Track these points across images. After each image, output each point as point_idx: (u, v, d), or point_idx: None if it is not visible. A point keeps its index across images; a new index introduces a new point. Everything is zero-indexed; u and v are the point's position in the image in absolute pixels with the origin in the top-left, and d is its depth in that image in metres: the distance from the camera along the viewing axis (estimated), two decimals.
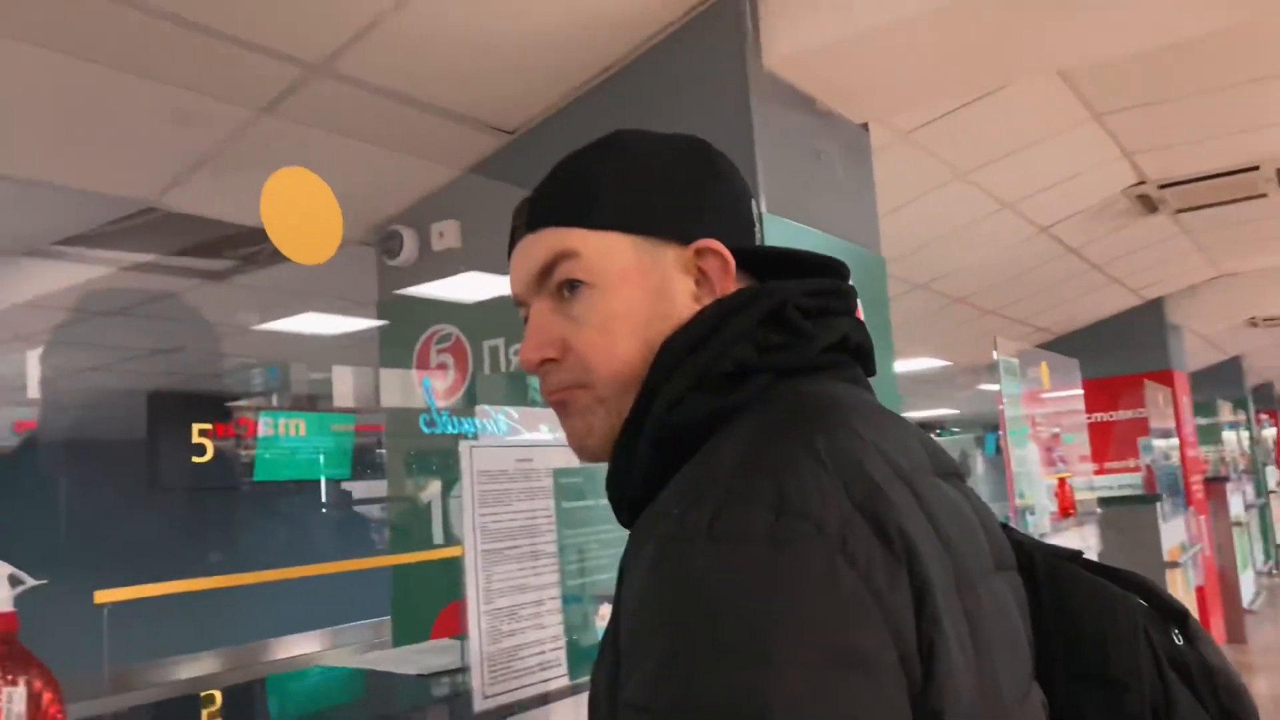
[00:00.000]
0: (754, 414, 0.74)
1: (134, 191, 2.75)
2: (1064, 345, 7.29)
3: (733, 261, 0.84)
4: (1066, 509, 4.52)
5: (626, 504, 0.81)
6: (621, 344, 0.82)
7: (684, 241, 0.84)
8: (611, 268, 0.82)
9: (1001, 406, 4.07)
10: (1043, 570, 0.84)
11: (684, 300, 0.83)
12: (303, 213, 1.23)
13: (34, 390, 2.48)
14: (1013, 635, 0.74)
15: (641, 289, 0.82)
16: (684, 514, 0.65)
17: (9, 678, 1.00)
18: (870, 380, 0.88)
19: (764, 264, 0.88)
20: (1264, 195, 4.78)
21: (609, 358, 0.82)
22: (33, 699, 1.00)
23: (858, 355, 0.86)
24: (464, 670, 1.41)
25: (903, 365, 7.73)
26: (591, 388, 0.83)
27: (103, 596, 1.45)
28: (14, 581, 1.09)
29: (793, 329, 0.80)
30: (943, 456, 0.82)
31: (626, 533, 0.85)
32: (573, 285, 0.83)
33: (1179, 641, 0.80)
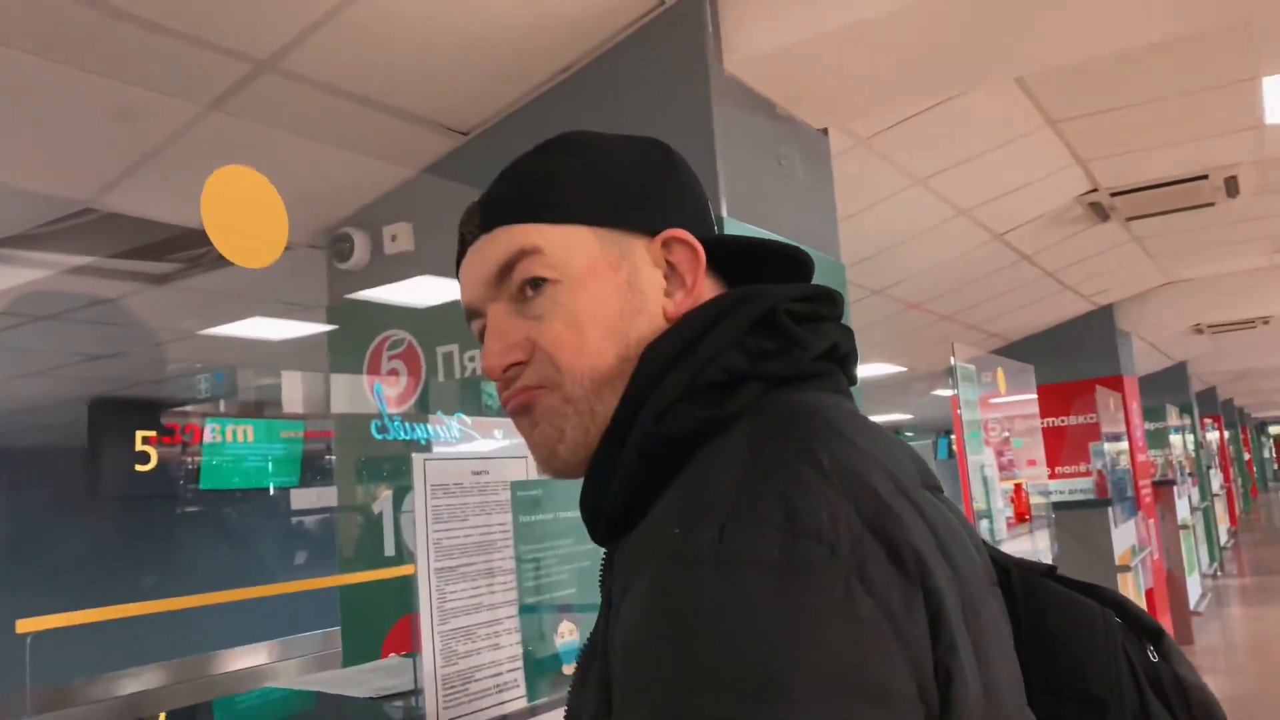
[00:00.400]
0: (747, 425, 0.70)
1: (71, 191, 2.65)
2: (1017, 351, 7.37)
3: (703, 252, 0.81)
4: (1022, 514, 4.54)
5: (604, 519, 0.76)
6: (593, 339, 0.77)
7: (650, 233, 0.80)
8: (577, 262, 0.78)
9: (959, 412, 4.07)
10: (1020, 586, 0.81)
11: (655, 294, 0.79)
12: (246, 214, 1.16)
13: None
14: (1010, 656, 0.71)
15: (611, 282, 0.78)
16: (686, 534, 0.61)
17: None
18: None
19: (731, 263, 0.85)
20: (1212, 204, 4.85)
21: (579, 354, 0.76)
22: None
23: (841, 364, 0.82)
24: (418, 692, 1.35)
25: (860, 371, 7.77)
26: (559, 388, 0.77)
27: (25, 626, 1.35)
28: None
29: (785, 336, 0.76)
30: (926, 469, 0.79)
31: (590, 547, 0.80)
32: (536, 284, 0.78)
33: (1154, 658, 0.78)
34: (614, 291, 0.78)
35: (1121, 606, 0.80)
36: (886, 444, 0.73)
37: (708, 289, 0.82)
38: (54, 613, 1.68)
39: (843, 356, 0.81)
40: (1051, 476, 6.72)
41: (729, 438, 0.69)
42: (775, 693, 0.53)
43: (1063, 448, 7.25)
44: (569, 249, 0.78)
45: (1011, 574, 0.82)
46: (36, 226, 2.81)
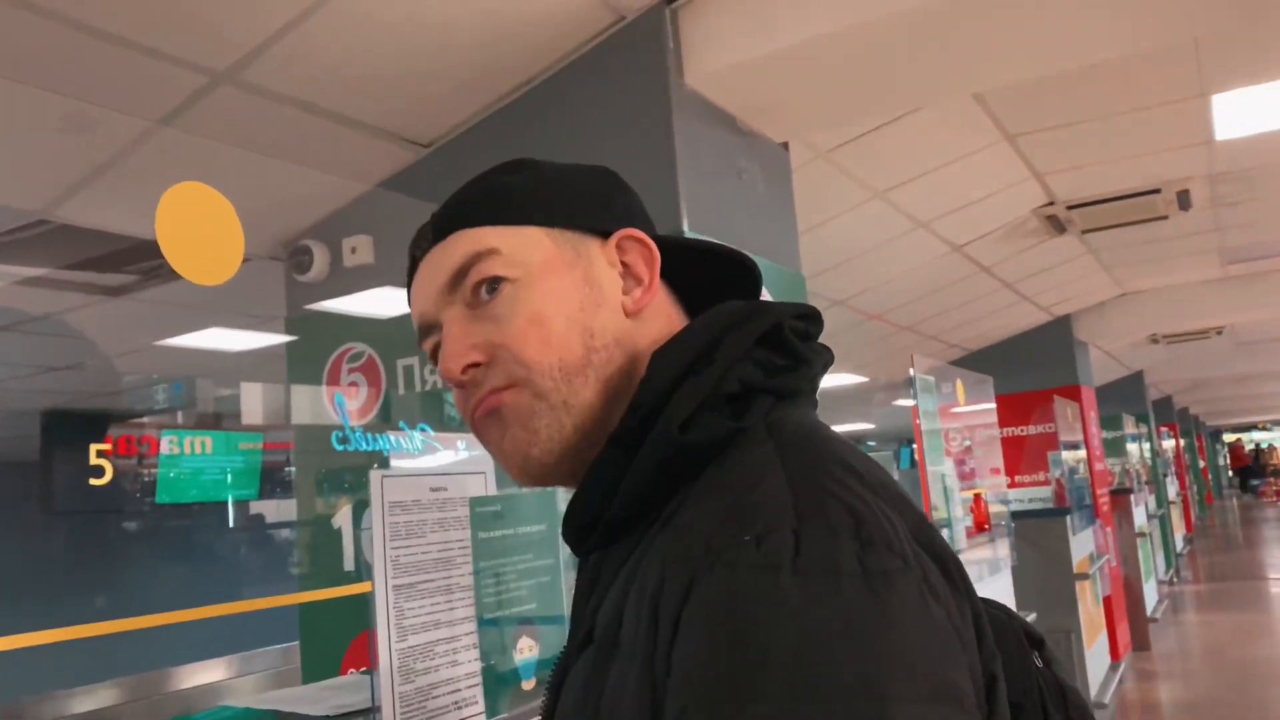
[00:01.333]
0: (769, 436, 0.71)
1: (23, 202, 2.61)
2: (976, 361, 7.45)
3: (656, 250, 0.82)
4: (981, 523, 4.59)
5: (603, 527, 0.75)
6: (557, 331, 0.76)
7: (604, 235, 0.82)
8: (533, 259, 0.78)
9: (918, 422, 4.11)
10: None
11: (613, 291, 0.80)
12: (201, 231, 1.15)
13: None
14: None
15: (568, 278, 0.79)
16: (760, 541, 0.61)
17: None
18: None
19: (676, 271, 0.87)
20: (1165, 217, 4.94)
21: (545, 345, 0.76)
22: None
23: (816, 380, 0.85)
24: (375, 710, 1.34)
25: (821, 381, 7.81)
26: (529, 383, 0.76)
27: None
28: None
29: (791, 353, 0.78)
30: None
31: (550, 562, 0.80)
32: (493, 286, 0.77)
33: (1039, 664, 0.83)
34: (572, 286, 0.79)
35: (1012, 618, 0.84)
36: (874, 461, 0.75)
37: (664, 289, 0.84)
38: (7, 630, 1.65)
39: (820, 373, 0.84)
40: (1011, 485, 6.79)
41: (755, 447, 0.70)
42: (873, 698, 0.55)
43: (1022, 457, 7.33)
44: (524, 247, 0.79)
45: None
46: None
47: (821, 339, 0.85)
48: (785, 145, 2.84)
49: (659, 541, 0.68)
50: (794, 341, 0.78)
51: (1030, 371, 7.51)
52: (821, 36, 2.23)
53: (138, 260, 3.03)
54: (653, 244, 0.83)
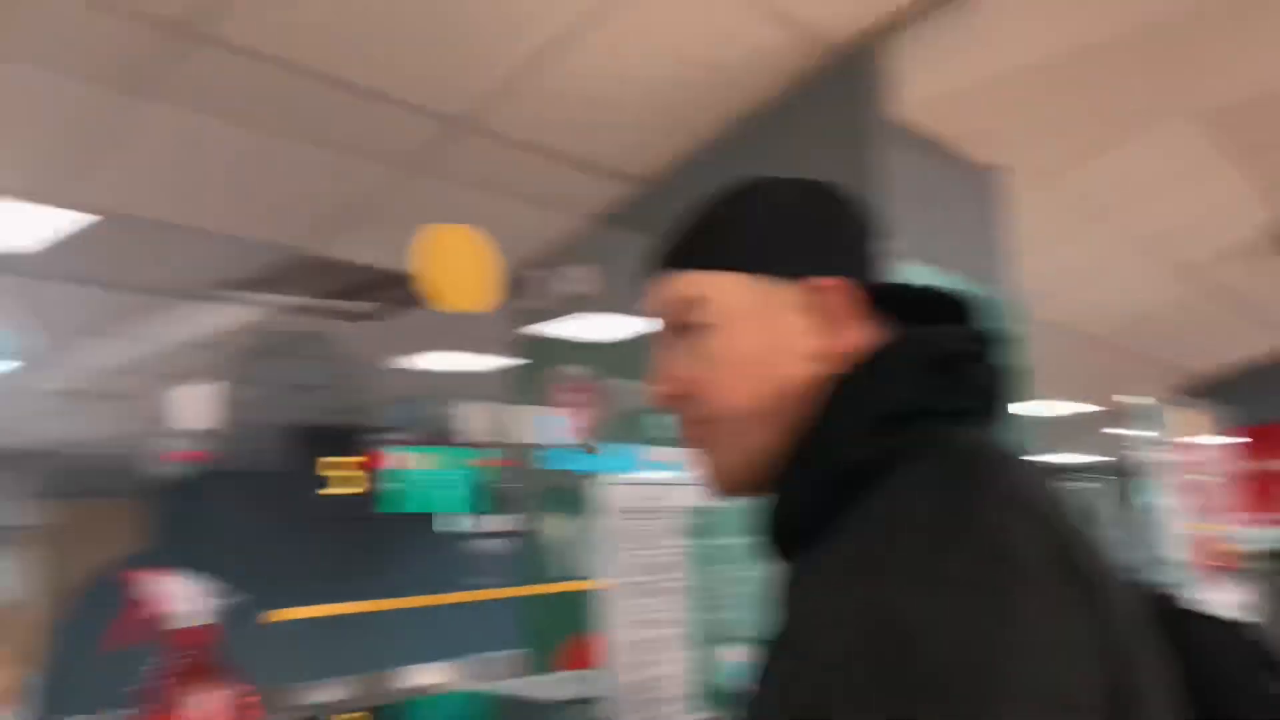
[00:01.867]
0: (930, 456, 0.76)
1: (290, 239, 2.94)
2: (1213, 389, 6.97)
3: (853, 298, 0.86)
4: (1213, 562, 4.32)
5: (786, 540, 0.83)
6: (740, 383, 0.85)
7: (804, 279, 0.87)
8: (735, 307, 0.87)
9: (1145, 455, 3.93)
10: (1170, 617, 0.84)
11: (803, 339, 0.86)
12: (465, 267, 1.31)
13: (198, 422, 2.65)
14: (1163, 682, 0.74)
15: (759, 328, 0.86)
16: (891, 555, 0.67)
17: (214, 682, 1.11)
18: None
19: (899, 303, 0.90)
20: None
21: (727, 396, 0.85)
22: (234, 702, 1.10)
23: (997, 402, 0.88)
24: (600, 699, 1.46)
25: (1044, 408, 7.51)
26: (715, 424, 0.86)
27: (274, 616, 1.55)
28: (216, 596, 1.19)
29: (955, 375, 0.83)
30: (1073, 503, 0.83)
31: (755, 571, 0.87)
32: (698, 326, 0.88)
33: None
34: (761, 337, 0.86)
35: (1259, 640, 0.84)
36: (1043, 479, 0.78)
37: (865, 328, 0.88)
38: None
39: (999, 395, 0.87)
40: (1253, 524, 6.30)
41: (915, 467, 0.75)
42: (989, 708, 0.59)
43: (1267, 494, 6.78)
44: (729, 295, 0.87)
45: (1161, 604, 0.85)
46: (257, 271, 3.13)
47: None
48: (999, 170, 2.83)
49: (829, 553, 0.74)
50: (958, 365, 0.82)
51: (1274, 400, 6.94)
52: (1037, 63, 2.23)
53: (381, 289, 3.33)
54: (849, 292, 0.86)
